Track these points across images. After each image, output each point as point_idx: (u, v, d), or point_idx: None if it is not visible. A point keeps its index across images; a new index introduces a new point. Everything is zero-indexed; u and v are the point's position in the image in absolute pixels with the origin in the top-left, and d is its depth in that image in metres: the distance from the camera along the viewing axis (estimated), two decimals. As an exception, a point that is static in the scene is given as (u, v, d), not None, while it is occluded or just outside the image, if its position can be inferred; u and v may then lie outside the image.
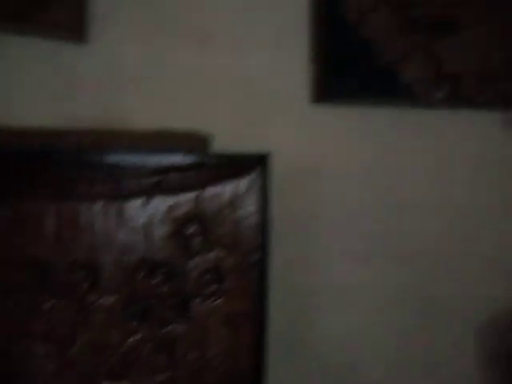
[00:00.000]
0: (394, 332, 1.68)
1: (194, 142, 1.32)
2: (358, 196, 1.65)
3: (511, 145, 1.70)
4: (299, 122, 1.61)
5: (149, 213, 1.22)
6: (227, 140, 1.46)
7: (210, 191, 1.27)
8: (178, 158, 1.25)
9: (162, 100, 1.48)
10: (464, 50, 1.63)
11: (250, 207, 1.30)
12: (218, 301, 1.26)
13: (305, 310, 1.63)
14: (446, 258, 1.70)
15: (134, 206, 1.20)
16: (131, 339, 1.21)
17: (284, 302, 1.57)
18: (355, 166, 1.64)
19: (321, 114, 1.61)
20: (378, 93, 1.62)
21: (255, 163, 1.31)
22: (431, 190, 1.69)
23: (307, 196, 1.61)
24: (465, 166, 1.70)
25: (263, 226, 1.30)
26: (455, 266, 1.70)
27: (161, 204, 1.22)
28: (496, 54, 1.65)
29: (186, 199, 1.24)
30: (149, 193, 1.22)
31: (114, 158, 1.20)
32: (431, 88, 1.62)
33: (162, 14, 1.49)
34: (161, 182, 1.23)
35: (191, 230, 1.25)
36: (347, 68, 1.59)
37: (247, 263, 1.29)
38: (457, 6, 1.62)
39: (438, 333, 1.70)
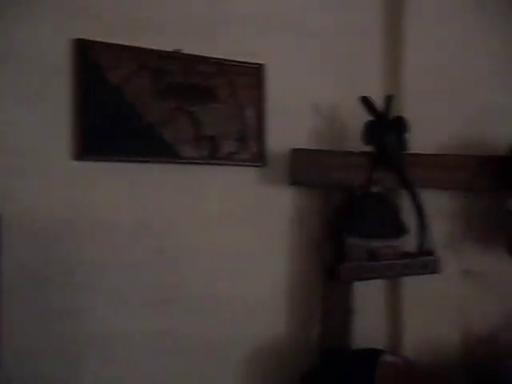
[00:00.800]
0: (162, 378, 1.74)
1: None
2: (121, 246, 1.69)
3: (266, 196, 1.89)
4: (60, 179, 1.63)
5: None
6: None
7: None
8: None
9: None
10: (221, 115, 1.81)
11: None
12: None
13: (68, 361, 1.63)
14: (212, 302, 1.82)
15: None
16: None
17: (46, 353, 1.58)
18: (119, 218, 1.69)
19: (83, 171, 1.65)
20: (141, 151, 1.71)
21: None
22: (196, 237, 1.79)
23: (68, 248, 1.62)
24: (227, 215, 1.83)
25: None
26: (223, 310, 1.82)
27: None
28: (250, 119, 1.85)
29: None
30: None
31: None
32: (191, 147, 1.77)
33: None
34: None
35: None
36: (110, 127, 1.66)
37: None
38: (214, 77, 1.80)
39: (204, 377, 1.80)
